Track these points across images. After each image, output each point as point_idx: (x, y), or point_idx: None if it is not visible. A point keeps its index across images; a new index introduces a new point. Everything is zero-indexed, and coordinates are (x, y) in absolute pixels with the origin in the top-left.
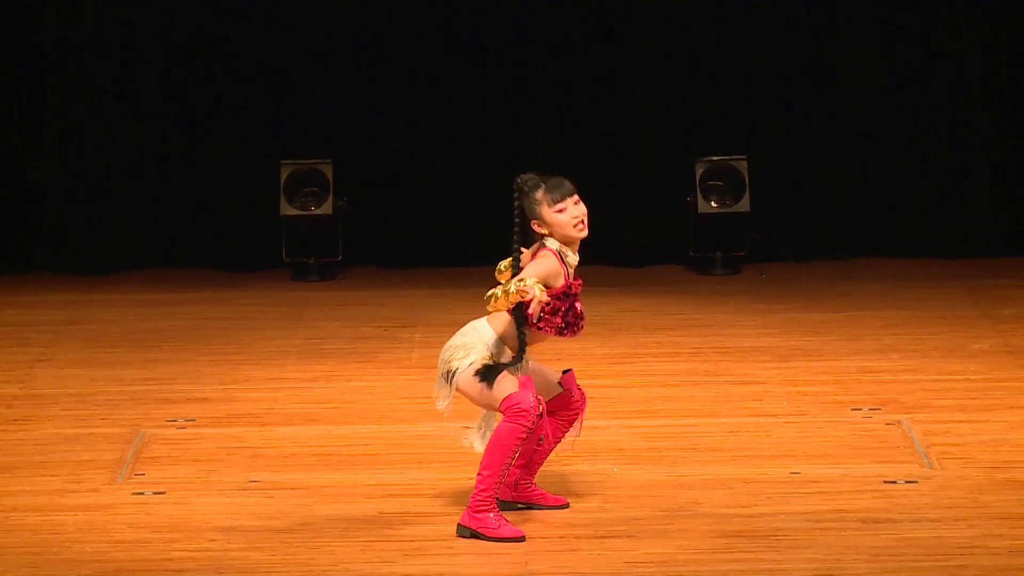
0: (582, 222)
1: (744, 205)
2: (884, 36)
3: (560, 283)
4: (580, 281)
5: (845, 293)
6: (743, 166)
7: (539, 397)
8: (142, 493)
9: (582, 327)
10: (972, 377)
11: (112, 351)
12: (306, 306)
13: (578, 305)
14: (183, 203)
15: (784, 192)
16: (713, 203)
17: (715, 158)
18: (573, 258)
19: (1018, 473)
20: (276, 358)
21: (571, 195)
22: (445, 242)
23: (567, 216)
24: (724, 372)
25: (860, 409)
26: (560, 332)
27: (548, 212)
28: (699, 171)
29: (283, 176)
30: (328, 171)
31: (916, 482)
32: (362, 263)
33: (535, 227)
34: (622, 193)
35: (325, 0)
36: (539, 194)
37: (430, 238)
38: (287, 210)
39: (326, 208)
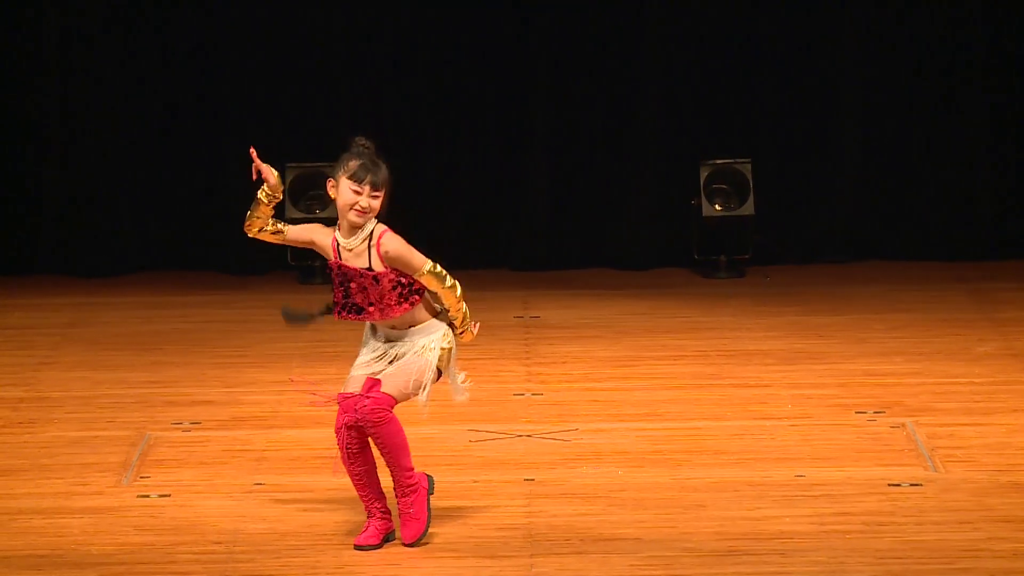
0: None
1: (748, 208)
2: (886, 39)
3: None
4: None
5: (849, 296)
6: (747, 169)
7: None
8: (147, 496)
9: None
10: (976, 380)
11: (117, 354)
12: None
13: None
14: (188, 205)
15: (788, 195)
16: (717, 206)
17: (719, 161)
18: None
19: (1022, 476)
20: (281, 361)
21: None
22: (447, 245)
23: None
24: (728, 375)
25: (864, 412)
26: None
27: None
28: (703, 174)
29: (288, 179)
30: None
31: (920, 485)
32: None
33: (329, 187)
34: (626, 196)
35: (331, 2)
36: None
37: (432, 241)
38: (292, 213)
39: (331, 211)
